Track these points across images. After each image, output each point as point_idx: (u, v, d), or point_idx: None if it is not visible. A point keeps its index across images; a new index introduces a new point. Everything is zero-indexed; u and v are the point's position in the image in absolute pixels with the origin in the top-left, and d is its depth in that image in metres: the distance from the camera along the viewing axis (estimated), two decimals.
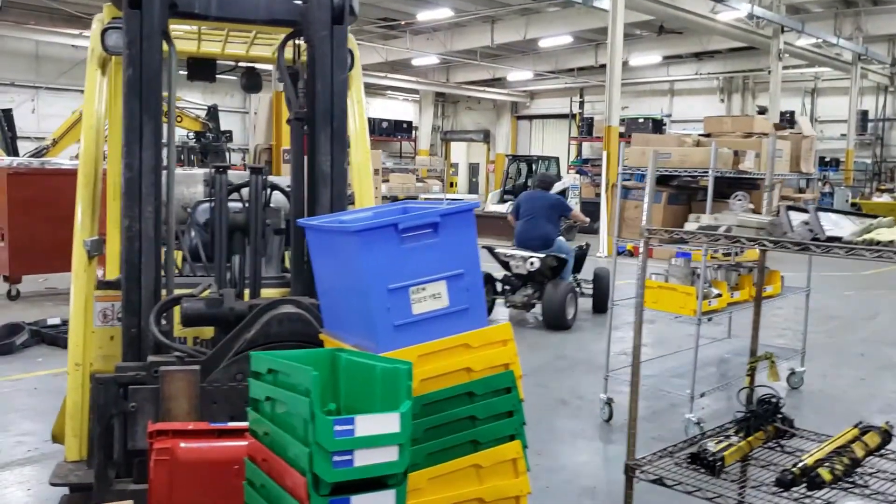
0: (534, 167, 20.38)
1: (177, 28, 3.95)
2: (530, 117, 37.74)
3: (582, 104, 34.51)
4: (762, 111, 26.79)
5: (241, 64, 4.59)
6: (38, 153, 15.31)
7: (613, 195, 17.36)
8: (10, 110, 15.71)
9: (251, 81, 4.62)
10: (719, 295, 5.78)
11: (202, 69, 4.28)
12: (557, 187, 16.48)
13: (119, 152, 4.35)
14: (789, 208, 2.59)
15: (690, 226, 3.51)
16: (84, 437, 3.14)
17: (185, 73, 4.35)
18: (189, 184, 4.21)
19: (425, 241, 2.17)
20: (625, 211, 5.78)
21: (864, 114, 27.92)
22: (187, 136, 18.81)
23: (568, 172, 27.21)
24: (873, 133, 28.37)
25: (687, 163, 5.56)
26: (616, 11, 16.51)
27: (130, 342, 2.83)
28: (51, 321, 7.84)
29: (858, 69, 25.67)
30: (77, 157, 12.98)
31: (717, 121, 6.93)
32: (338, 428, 1.75)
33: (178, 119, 17.43)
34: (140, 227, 2.83)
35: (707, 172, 5.40)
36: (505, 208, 18.55)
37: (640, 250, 3.00)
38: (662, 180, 6.18)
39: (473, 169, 40.37)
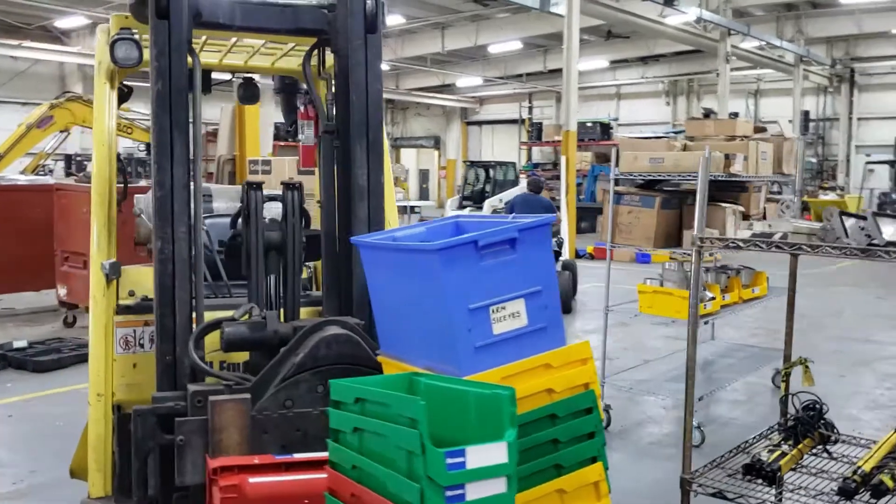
0: (491, 172, 20.41)
1: None
2: (480, 123, 37.86)
3: (531, 109, 34.81)
4: (707, 113, 27.34)
5: (237, 75, 4.42)
6: None
7: (570, 200, 17.47)
8: None
9: (248, 92, 4.46)
10: (713, 298, 5.81)
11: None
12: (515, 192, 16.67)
13: (106, 168, 4.17)
14: (842, 213, 2.58)
15: (744, 233, 3.49)
16: (108, 472, 2.96)
17: None
18: (226, 199, 4.06)
19: (504, 257, 2.08)
20: (618, 216, 5.76)
21: (806, 114, 28.71)
22: (138, 147, 18.35)
23: (519, 177, 27.39)
24: (815, 132, 29.18)
25: (681, 167, 5.57)
26: (571, 17, 16.65)
27: (165, 370, 2.66)
28: (17, 344, 7.49)
29: (801, 70, 26.38)
30: (29, 171, 12.47)
31: (699, 124, 6.98)
32: (450, 461, 1.65)
33: (128, 130, 16.95)
34: (173, 248, 2.67)
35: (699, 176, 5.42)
36: (465, 213, 18.56)
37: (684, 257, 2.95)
38: (650, 185, 6.20)
39: (424, 175, 40.32)
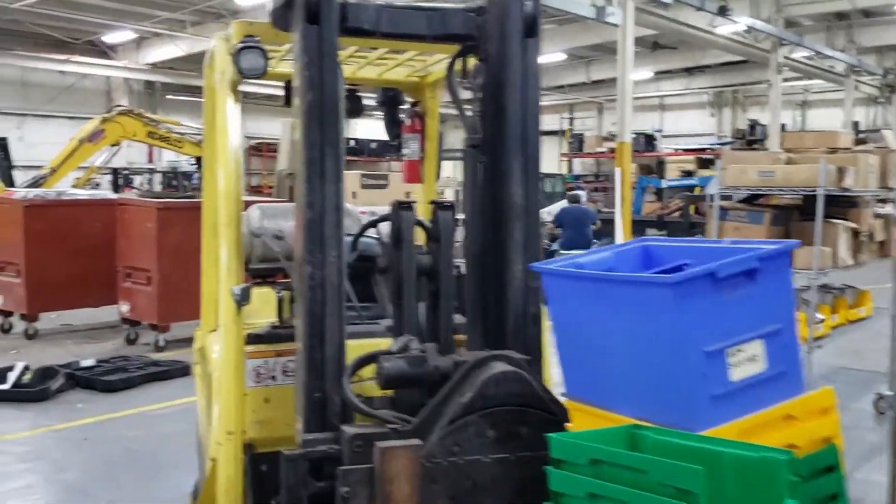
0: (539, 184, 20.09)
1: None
2: None
3: (572, 120, 34.47)
4: (753, 125, 26.87)
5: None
6: (36, 182, 14.74)
7: (626, 212, 17.15)
8: (5, 139, 15.13)
9: (353, 106, 4.21)
10: (822, 320, 5.48)
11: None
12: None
13: (213, 182, 3.96)
14: None
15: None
16: None
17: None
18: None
19: (742, 291, 1.79)
20: (724, 233, 5.44)
21: (856, 125, 28.07)
22: (189, 162, 18.33)
23: (566, 189, 27.03)
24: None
25: (792, 181, 5.25)
26: (626, 26, 16.33)
27: (314, 408, 2.40)
28: (84, 362, 7.33)
29: (852, 81, 25.80)
30: (80, 185, 12.38)
31: (796, 136, 6.67)
32: None
33: (179, 144, 16.93)
34: (324, 274, 2.42)
35: (814, 190, 5.09)
36: None
37: None
38: (751, 199, 5.88)
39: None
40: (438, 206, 2.78)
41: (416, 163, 4.32)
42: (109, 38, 22.73)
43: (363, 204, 9.16)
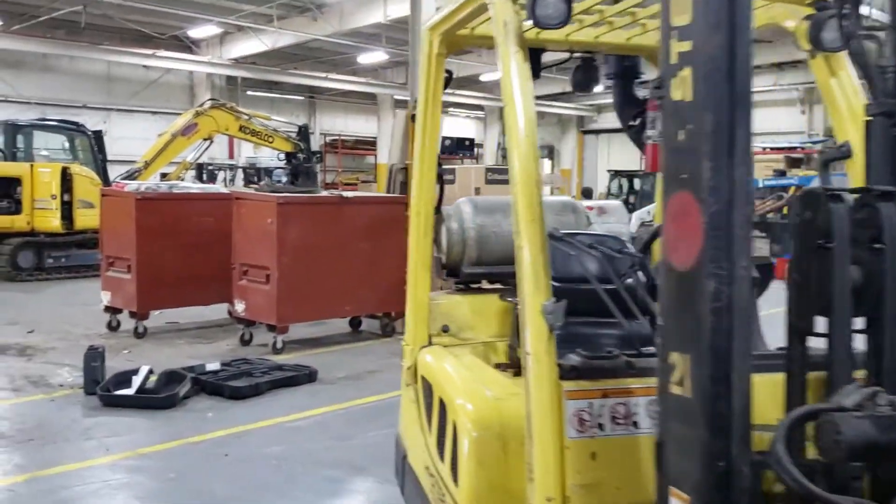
0: (636, 183, 19.26)
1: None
2: (597, 132, 36.63)
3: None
4: None
5: (574, 55, 3.53)
6: (130, 176, 14.53)
7: None
8: (100, 132, 14.97)
9: (587, 76, 3.57)
10: None
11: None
12: None
13: (430, 173, 3.37)
14: None
15: None
16: None
17: None
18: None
19: None
20: None
21: None
22: (277, 157, 18.01)
23: None
24: None
25: None
26: None
27: (717, 483, 1.70)
28: (209, 366, 6.86)
29: None
30: (171, 179, 12.00)
31: None
32: None
33: (270, 139, 16.59)
34: (731, 292, 1.72)
35: None
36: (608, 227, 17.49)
37: None
38: None
39: None
40: (881, 196, 2.01)
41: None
42: (194, 32, 22.65)
43: None
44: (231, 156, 25.90)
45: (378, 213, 8.74)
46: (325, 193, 8.88)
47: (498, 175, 8.58)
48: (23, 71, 21.64)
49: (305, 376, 6.94)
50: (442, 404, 2.71)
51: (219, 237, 8.93)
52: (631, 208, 18.56)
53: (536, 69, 3.20)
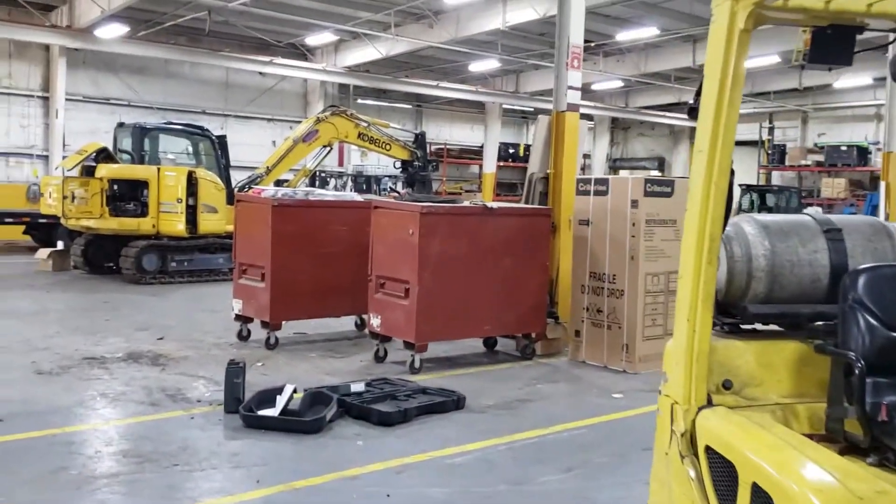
0: (767, 198, 18.09)
1: None
2: None
3: (771, 130, 31.70)
4: None
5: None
6: (252, 182, 14.45)
7: None
8: (224, 137, 14.95)
9: (846, 51, 2.86)
10: None
11: (832, 43, 2.57)
12: None
13: (723, 180, 2.68)
14: None
15: None
16: None
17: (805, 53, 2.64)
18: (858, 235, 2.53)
19: None
20: None
21: None
22: (394, 165, 17.72)
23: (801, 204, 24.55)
24: None
25: None
26: None
27: None
28: (354, 387, 6.39)
29: None
30: (291, 185, 11.65)
31: None
32: None
33: (387, 147, 16.27)
34: None
35: None
36: None
37: None
38: None
39: None
40: None
41: None
42: (310, 40, 22.71)
43: (647, 215, 7.84)
44: (340, 163, 25.91)
45: (522, 226, 8.14)
46: (467, 204, 8.33)
47: (658, 187, 7.85)
48: (146, 76, 22.12)
49: (453, 402, 6.39)
50: (759, 493, 2.05)
51: (352, 247, 8.55)
52: None
53: (849, 52, 2.56)
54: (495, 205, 8.09)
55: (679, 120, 33.63)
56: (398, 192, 10.06)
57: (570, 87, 9.10)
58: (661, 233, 7.89)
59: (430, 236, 7.42)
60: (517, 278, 8.01)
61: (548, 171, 9.16)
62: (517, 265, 8.01)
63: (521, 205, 9.15)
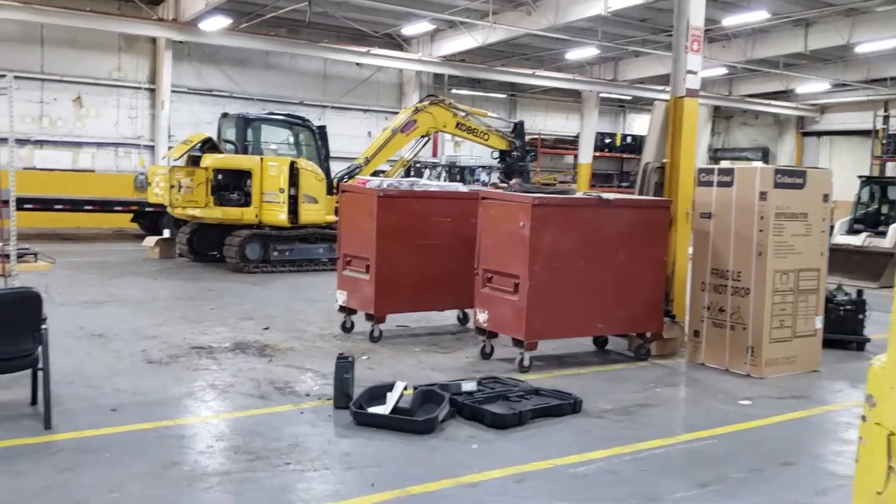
0: (889, 191, 16.94)
1: None
2: (818, 133, 33.43)
3: (887, 118, 29.86)
4: None
5: None
6: (350, 173, 14.42)
7: None
8: (324, 127, 14.95)
9: None
10: None
11: None
12: None
13: None
14: None
15: None
16: None
17: None
18: None
19: None
20: None
21: None
22: (491, 155, 17.43)
23: None
24: None
25: None
26: None
27: None
28: (465, 386, 6.12)
29: None
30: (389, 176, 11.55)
31: None
32: None
33: (485, 136, 15.98)
34: None
35: None
36: (860, 240, 15.39)
37: None
38: None
39: None
40: None
41: None
42: (407, 30, 22.57)
43: (777, 208, 7.28)
44: (434, 154, 25.75)
45: (638, 218, 7.70)
46: (580, 195, 7.94)
47: (789, 178, 7.27)
48: (247, 68, 22.45)
49: (570, 406, 6.04)
50: None
51: (457, 239, 8.32)
52: (884, 220, 16.30)
53: None
54: (611, 196, 7.66)
55: (785, 109, 32.12)
56: (506, 183, 9.74)
57: (689, 72, 8.58)
58: (791, 227, 7.32)
59: (542, 229, 7.08)
60: (632, 274, 7.59)
61: (663, 161, 8.68)
62: (633, 260, 7.58)
63: (636, 196, 8.66)
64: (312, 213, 13.46)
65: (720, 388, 7.00)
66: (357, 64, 23.78)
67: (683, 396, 6.99)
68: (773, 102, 31.53)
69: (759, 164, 34.49)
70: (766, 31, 23.16)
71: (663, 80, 25.39)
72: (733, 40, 23.97)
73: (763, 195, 7.28)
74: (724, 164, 35.89)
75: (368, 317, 8.27)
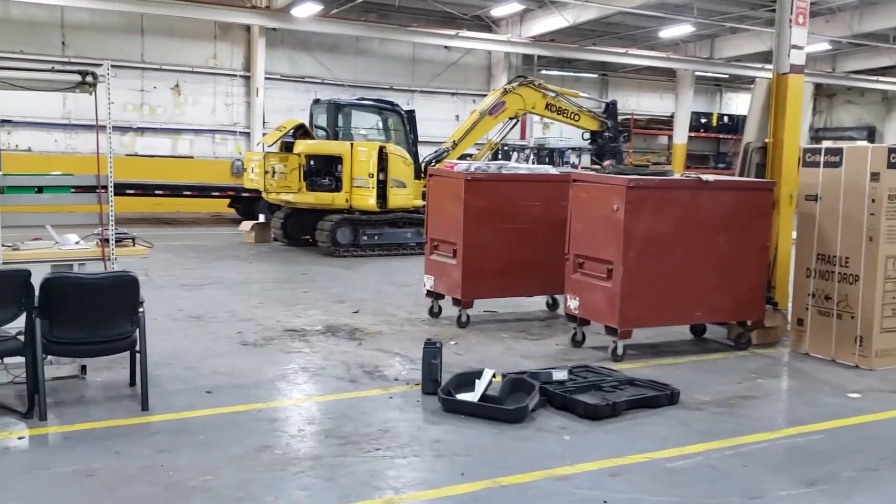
0: None
1: None
2: None
3: None
4: None
5: None
6: (438, 157, 14.36)
7: None
8: (413, 112, 14.93)
9: None
10: None
11: None
12: None
13: None
14: None
15: None
16: None
17: None
18: None
19: None
20: None
21: None
22: (582, 136, 17.09)
23: None
24: None
25: None
26: None
27: None
28: (556, 375, 5.98)
29: None
30: (476, 159, 11.41)
31: None
32: None
33: (576, 117, 15.66)
34: None
35: None
36: None
37: None
38: None
39: None
40: None
41: None
42: (496, 11, 22.34)
43: (890, 190, 6.83)
44: (523, 136, 25.47)
45: (739, 201, 7.36)
46: (678, 176, 7.64)
47: None
48: (338, 54, 22.67)
49: (666, 397, 5.82)
50: None
51: (546, 223, 8.16)
52: None
53: None
54: (710, 177, 7.34)
55: (894, 85, 30.36)
56: (600, 164, 9.50)
57: (794, 47, 8.16)
58: None
59: (637, 212, 6.84)
60: (733, 259, 7.27)
61: (766, 141, 8.26)
62: (733, 245, 7.26)
63: (737, 177, 8.30)
64: (401, 198, 13.50)
65: (826, 380, 6.63)
66: (445, 47, 23.70)
67: (787, 388, 6.66)
68: (881, 79, 29.87)
69: (864, 143, 32.80)
70: (874, 3, 21.91)
71: (762, 57, 24.39)
72: (838, 14, 22.73)
73: (875, 176, 6.84)
74: (827, 144, 34.28)
75: (455, 301, 8.21)
